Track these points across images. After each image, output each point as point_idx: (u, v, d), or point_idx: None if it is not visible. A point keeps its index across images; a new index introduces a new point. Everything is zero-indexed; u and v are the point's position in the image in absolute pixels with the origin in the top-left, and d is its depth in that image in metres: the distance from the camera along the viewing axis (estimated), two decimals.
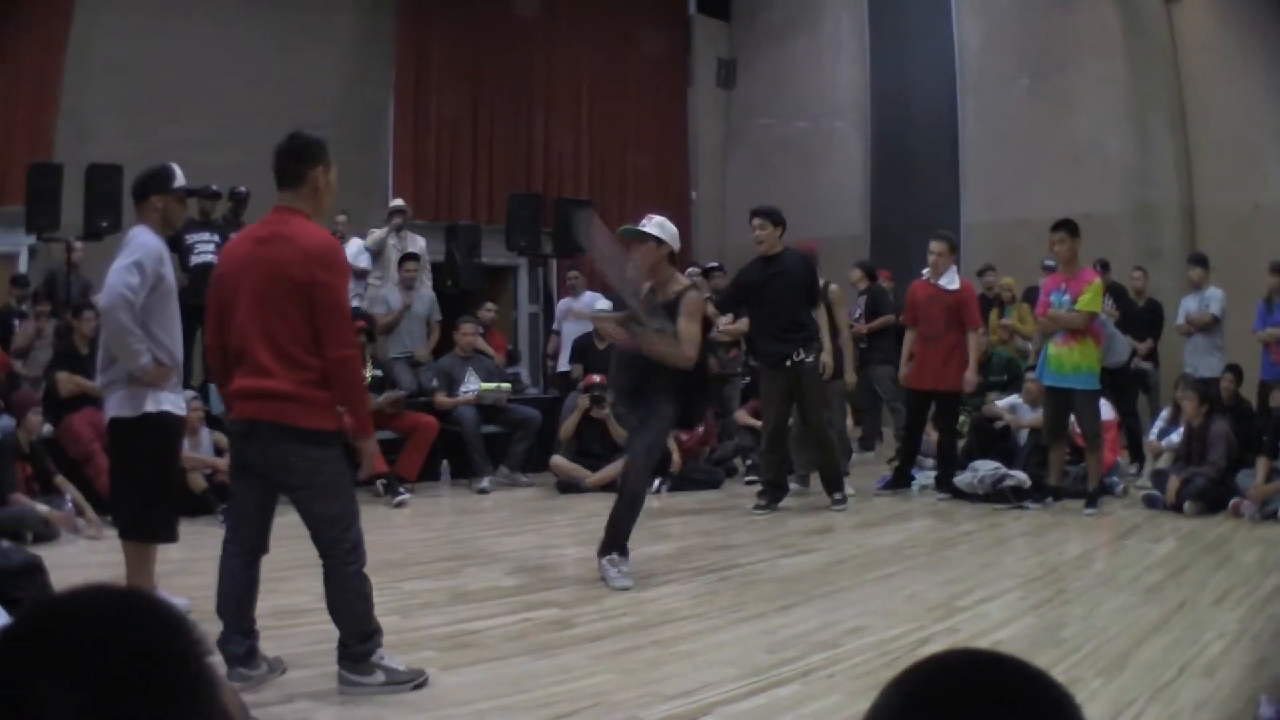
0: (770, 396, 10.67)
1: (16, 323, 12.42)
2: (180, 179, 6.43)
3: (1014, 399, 11.99)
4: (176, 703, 1.10)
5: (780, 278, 10.43)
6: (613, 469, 11.68)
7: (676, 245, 7.99)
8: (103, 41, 15.02)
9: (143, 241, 6.08)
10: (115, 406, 6.13)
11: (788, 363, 10.36)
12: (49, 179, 12.42)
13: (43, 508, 9.09)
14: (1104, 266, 12.67)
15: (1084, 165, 16.07)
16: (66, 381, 10.25)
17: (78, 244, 12.48)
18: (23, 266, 14.31)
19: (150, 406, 6.07)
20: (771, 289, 10.46)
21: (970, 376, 11.12)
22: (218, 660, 4.98)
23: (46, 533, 8.91)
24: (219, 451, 10.28)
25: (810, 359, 10.42)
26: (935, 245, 11.39)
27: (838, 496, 10.61)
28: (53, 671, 1.07)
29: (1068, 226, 10.35)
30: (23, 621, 1.15)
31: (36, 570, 6.66)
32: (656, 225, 7.89)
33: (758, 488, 10.95)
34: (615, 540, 7.68)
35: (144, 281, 5.93)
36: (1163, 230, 15.53)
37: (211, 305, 5.42)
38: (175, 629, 1.16)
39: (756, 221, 10.55)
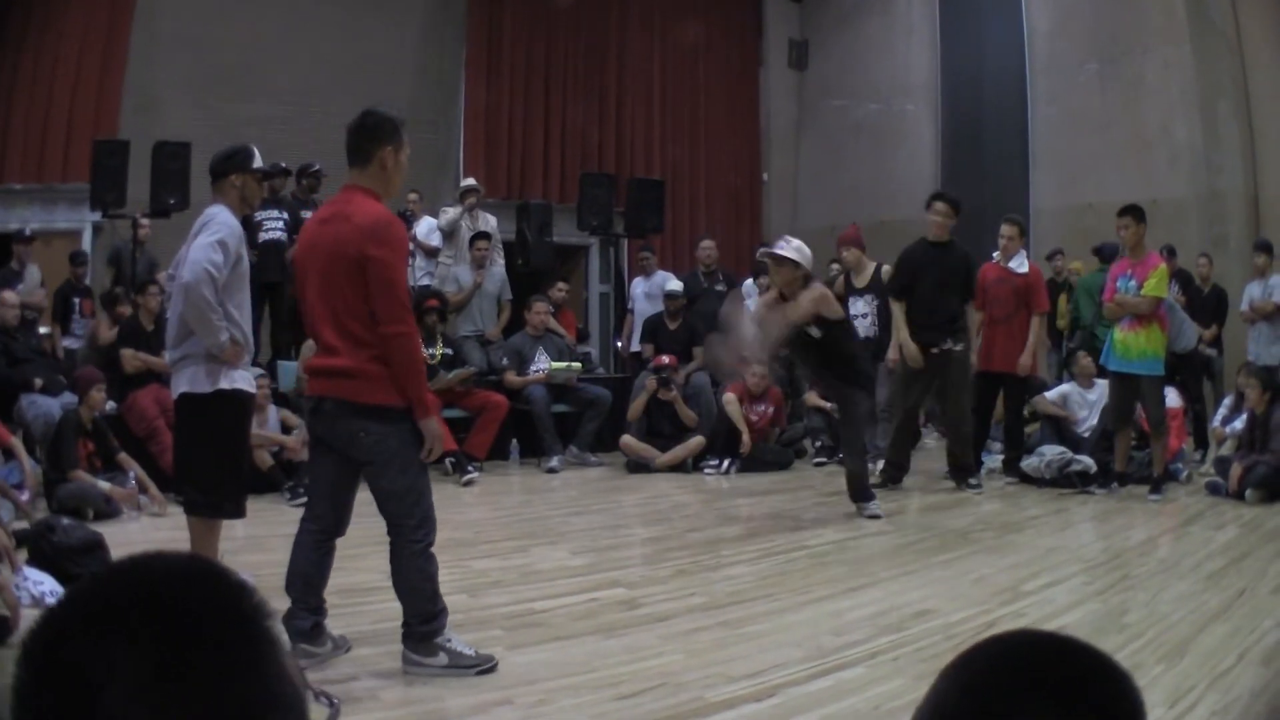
0: (910, 381, 10.74)
1: (77, 301, 12.59)
2: (259, 160, 6.51)
3: (1064, 389, 12.02)
4: (238, 660, 1.12)
5: (942, 266, 10.58)
6: (682, 450, 11.80)
7: (810, 267, 8.69)
8: (169, 17, 15.12)
9: (224, 220, 6.11)
10: (188, 382, 6.14)
11: (935, 349, 10.52)
12: (115, 156, 12.41)
13: (104, 484, 9.13)
14: (1170, 253, 12.65)
15: (1152, 151, 15.97)
16: (131, 358, 10.29)
17: (145, 220, 12.51)
18: (86, 244, 14.42)
19: (224, 383, 6.11)
20: (930, 276, 10.60)
21: (1025, 360, 11.06)
22: (281, 630, 5.06)
23: (108, 510, 8.93)
24: (286, 429, 10.42)
25: (960, 348, 10.59)
26: (1006, 229, 11.38)
27: (973, 482, 10.81)
28: (115, 629, 1.09)
29: (1133, 212, 10.33)
30: (85, 584, 1.17)
31: (97, 547, 6.82)
32: (795, 250, 8.41)
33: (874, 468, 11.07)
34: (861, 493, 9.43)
35: (227, 260, 5.98)
36: (1228, 217, 15.44)
37: (298, 289, 5.50)
38: (237, 591, 1.18)
39: (941, 207, 10.70)
